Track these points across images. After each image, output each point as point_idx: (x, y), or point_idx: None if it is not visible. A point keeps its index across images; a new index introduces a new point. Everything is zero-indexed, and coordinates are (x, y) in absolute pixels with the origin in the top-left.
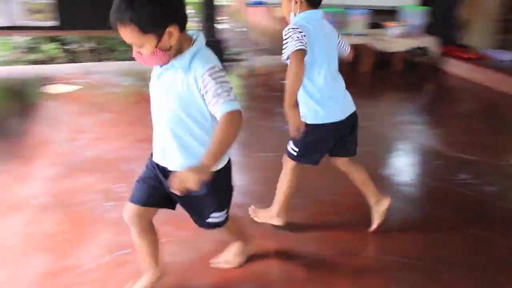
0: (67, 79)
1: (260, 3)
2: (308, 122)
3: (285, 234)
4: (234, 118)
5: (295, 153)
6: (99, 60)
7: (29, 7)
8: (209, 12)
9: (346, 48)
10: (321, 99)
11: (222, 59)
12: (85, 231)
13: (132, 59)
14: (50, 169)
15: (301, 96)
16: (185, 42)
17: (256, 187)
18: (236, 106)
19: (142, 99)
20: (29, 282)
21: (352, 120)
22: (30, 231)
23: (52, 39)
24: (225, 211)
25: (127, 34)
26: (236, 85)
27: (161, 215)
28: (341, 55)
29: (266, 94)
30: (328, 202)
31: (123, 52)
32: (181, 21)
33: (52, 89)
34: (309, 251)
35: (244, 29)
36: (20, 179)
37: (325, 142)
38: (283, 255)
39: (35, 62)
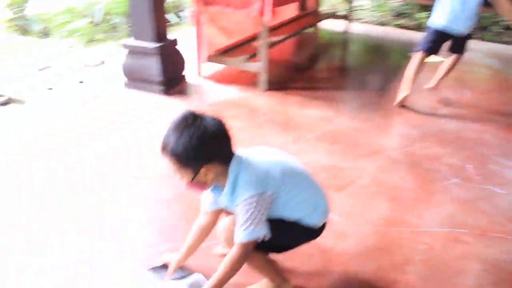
0: None
1: None
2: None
3: None
4: (236, 256)
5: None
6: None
7: None
8: None
9: None
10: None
11: None
12: (429, 197)
13: (505, 42)
14: (407, 129)
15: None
16: (225, 174)
17: None
18: (245, 238)
19: (508, 88)
20: (373, 219)
21: (459, 36)
22: (380, 177)
23: (426, 8)
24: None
25: (168, 162)
26: None
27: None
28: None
29: None
30: None
31: (495, 34)
32: (224, 157)
33: None
34: None
35: None
36: (380, 129)
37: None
38: None
39: (402, 27)
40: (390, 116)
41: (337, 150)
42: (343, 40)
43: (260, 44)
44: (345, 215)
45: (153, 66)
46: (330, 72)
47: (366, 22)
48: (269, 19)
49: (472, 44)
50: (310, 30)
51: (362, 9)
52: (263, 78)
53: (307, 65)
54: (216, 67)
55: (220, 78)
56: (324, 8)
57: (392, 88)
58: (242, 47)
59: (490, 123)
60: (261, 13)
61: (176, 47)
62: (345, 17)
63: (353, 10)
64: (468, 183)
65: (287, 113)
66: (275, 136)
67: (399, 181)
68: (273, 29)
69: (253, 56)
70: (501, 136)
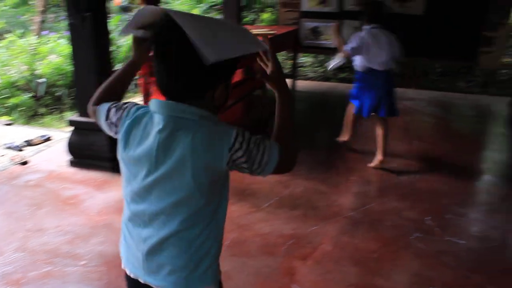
0: None
1: None
2: None
3: None
4: None
5: None
6: (409, 87)
7: None
8: None
9: None
10: None
11: None
12: (394, 256)
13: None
14: (363, 186)
15: None
16: None
17: None
18: None
19: (453, 135)
20: (342, 287)
21: None
22: (343, 240)
23: None
24: None
25: None
26: None
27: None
28: None
29: None
30: None
31: (434, 81)
32: None
33: None
34: None
35: None
36: (337, 189)
37: None
38: None
39: (344, 80)
40: (344, 173)
41: (297, 216)
42: None
43: None
44: (312, 286)
45: (101, 143)
46: None
47: (309, 78)
48: None
49: (412, 92)
50: (259, 91)
51: (304, 66)
52: None
53: (255, 127)
54: None
55: None
56: None
57: (342, 144)
58: None
59: (440, 172)
60: None
61: None
62: (289, 75)
63: (297, 68)
64: (429, 236)
65: (242, 181)
66: (230, 206)
67: (362, 243)
68: None
69: None
70: (453, 185)
